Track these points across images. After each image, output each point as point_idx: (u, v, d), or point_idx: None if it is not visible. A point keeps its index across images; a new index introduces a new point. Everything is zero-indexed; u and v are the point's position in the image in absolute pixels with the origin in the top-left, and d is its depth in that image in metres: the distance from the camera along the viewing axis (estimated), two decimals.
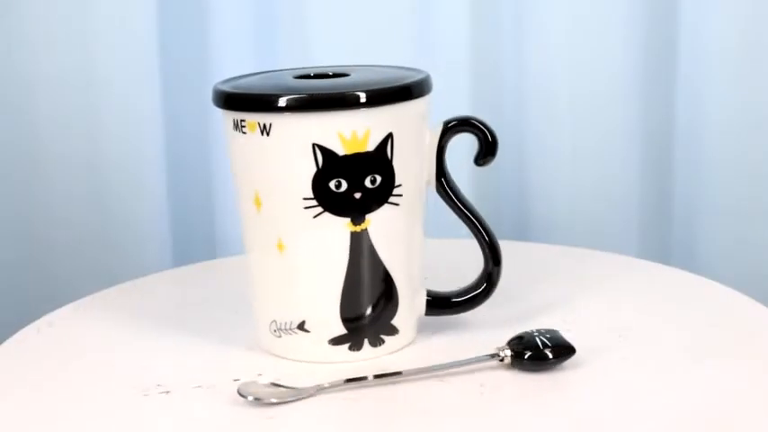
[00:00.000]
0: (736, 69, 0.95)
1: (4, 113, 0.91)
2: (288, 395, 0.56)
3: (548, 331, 0.60)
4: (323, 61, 0.91)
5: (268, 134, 0.57)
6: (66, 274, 0.93)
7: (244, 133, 0.58)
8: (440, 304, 0.64)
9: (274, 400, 0.55)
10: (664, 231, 1.00)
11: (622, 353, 0.61)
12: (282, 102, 0.56)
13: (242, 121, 0.58)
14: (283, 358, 0.61)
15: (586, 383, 0.57)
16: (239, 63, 0.92)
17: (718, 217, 0.98)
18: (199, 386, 0.58)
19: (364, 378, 0.57)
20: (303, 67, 0.65)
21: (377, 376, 0.58)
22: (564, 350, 0.59)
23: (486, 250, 0.63)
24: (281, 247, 0.59)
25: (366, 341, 0.61)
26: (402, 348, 0.62)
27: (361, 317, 0.60)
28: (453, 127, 0.61)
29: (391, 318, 0.61)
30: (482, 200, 0.98)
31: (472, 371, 0.59)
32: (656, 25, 0.95)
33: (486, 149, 0.62)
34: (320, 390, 0.56)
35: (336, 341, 0.60)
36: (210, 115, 0.94)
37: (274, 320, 0.61)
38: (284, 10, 0.92)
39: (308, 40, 0.92)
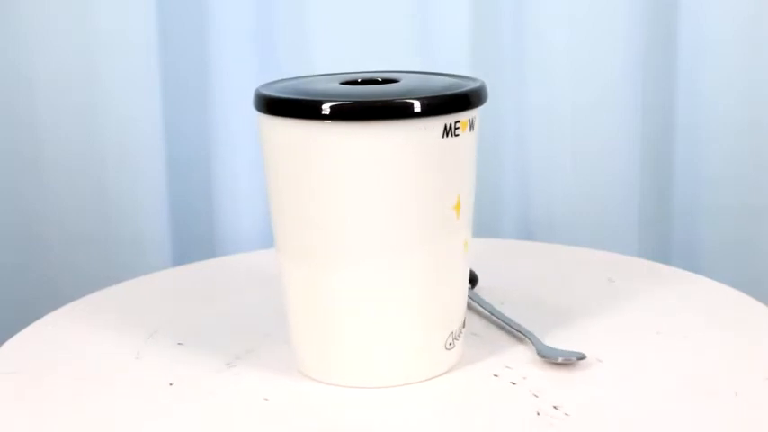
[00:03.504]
0: (737, 69, 0.95)
1: (3, 114, 0.91)
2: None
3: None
4: (322, 61, 0.91)
5: (473, 129, 0.56)
6: (66, 273, 0.93)
7: (456, 136, 0.55)
8: None
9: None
10: (664, 231, 1.00)
11: (622, 352, 0.61)
12: (485, 92, 0.57)
13: (456, 122, 0.55)
14: (440, 375, 0.59)
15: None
16: (239, 63, 0.93)
17: (719, 217, 0.98)
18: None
19: None
20: (334, 74, 0.63)
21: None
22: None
23: None
24: (466, 245, 0.58)
25: None
26: None
27: None
28: None
29: None
30: (483, 200, 0.98)
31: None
32: (656, 26, 0.95)
33: None
34: None
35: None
36: (210, 115, 0.94)
37: (452, 332, 0.59)
38: (284, 10, 0.92)
39: (309, 39, 0.92)
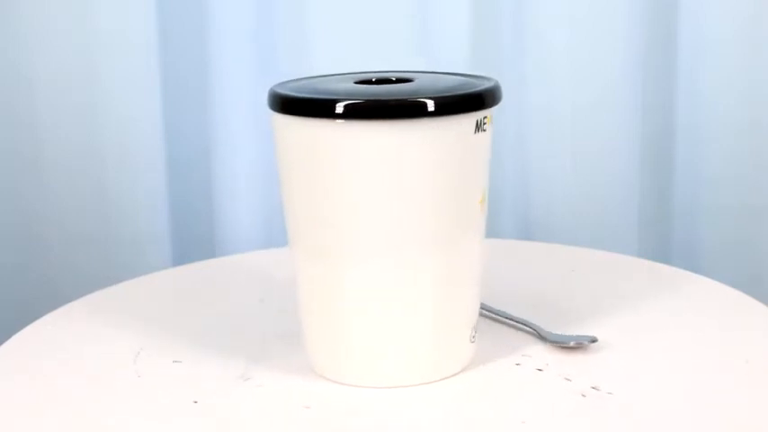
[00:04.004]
0: (737, 69, 0.95)
1: (3, 114, 0.91)
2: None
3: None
4: (323, 61, 0.91)
5: (491, 123, 0.57)
6: (66, 273, 0.93)
7: (484, 131, 0.56)
8: None
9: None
10: (664, 231, 1.00)
11: (623, 352, 0.61)
12: (500, 89, 0.57)
13: (484, 118, 0.56)
14: (465, 369, 0.60)
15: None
16: (239, 63, 0.93)
17: (719, 217, 0.98)
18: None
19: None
20: (346, 74, 0.63)
21: None
22: None
23: None
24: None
25: None
26: None
27: None
28: None
29: None
30: None
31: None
32: (656, 26, 0.95)
33: None
34: None
35: None
36: (210, 114, 0.94)
37: (473, 326, 0.60)
38: (284, 10, 0.92)
39: (308, 39, 0.92)
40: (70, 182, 0.92)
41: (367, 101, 0.54)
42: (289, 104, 0.55)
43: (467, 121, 0.55)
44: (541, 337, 0.63)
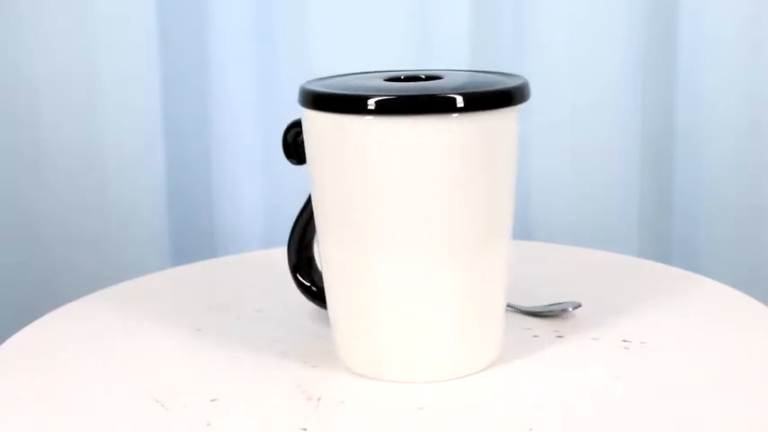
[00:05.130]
0: (737, 69, 0.95)
1: (3, 114, 0.91)
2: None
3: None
4: (323, 61, 0.91)
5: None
6: (66, 273, 0.93)
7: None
8: None
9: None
10: (664, 231, 1.00)
11: (623, 352, 0.61)
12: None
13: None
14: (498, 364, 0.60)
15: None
16: (239, 63, 0.93)
17: (719, 217, 0.98)
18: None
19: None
20: (372, 72, 0.63)
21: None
22: None
23: None
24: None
25: None
26: None
27: None
28: None
29: None
30: None
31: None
32: (656, 26, 0.95)
33: None
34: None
35: None
36: (210, 115, 0.94)
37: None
38: (284, 10, 0.92)
39: (309, 39, 0.92)
40: (70, 182, 0.92)
41: (430, 95, 0.54)
42: (322, 101, 0.55)
43: (505, 116, 0.56)
44: (524, 312, 0.64)
